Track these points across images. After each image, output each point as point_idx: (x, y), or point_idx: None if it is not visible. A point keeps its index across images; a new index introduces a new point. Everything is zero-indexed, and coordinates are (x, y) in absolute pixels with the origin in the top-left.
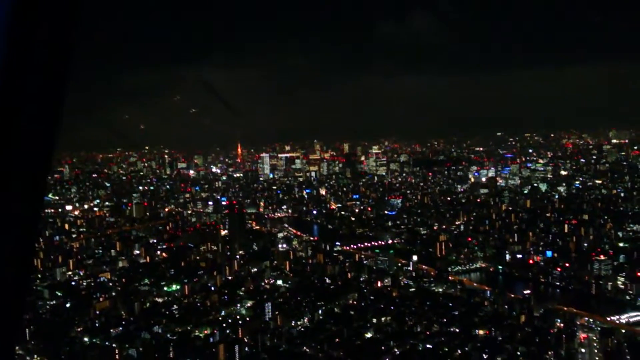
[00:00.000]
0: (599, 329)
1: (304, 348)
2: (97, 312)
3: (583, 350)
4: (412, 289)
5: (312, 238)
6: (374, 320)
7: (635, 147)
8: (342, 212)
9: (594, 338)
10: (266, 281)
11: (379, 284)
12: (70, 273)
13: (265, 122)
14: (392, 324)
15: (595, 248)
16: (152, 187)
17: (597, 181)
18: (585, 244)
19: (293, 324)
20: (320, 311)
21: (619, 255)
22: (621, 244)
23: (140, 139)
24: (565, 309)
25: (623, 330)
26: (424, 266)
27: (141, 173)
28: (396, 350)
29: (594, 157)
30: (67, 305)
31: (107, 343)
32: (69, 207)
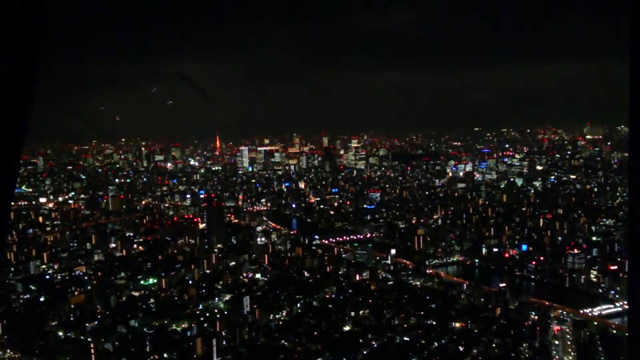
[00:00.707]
0: (572, 321)
1: (283, 341)
2: (72, 306)
3: (557, 342)
4: (390, 283)
5: (291, 232)
6: (352, 314)
7: (609, 143)
8: (321, 206)
9: (567, 330)
10: (244, 275)
11: (358, 278)
12: (44, 266)
13: (244, 115)
14: (370, 317)
15: (569, 242)
16: (128, 180)
17: (572, 176)
18: (560, 238)
19: (271, 318)
20: (298, 304)
21: (592, 249)
22: (594, 238)
23: (116, 131)
24: (540, 301)
25: (595, 323)
26: (402, 260)
27: (117, 165)
28: (374, 343)
29: (569, 152)
30: (42, 299)
31: (82, 337)
32: (43, 200)
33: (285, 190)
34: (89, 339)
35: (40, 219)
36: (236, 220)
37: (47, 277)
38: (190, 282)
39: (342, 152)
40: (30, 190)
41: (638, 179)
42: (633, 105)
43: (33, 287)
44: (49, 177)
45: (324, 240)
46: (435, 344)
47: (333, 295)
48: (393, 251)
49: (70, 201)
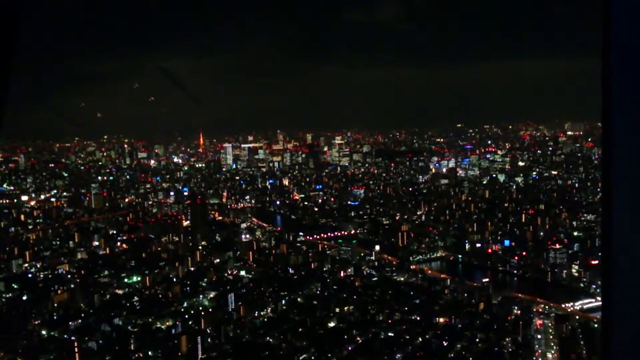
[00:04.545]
0: (554, 315)
1: (268, 338)
2: (55, 305)
3: (539, 336)
4: (375, 279)
5: (275, 228)
6: (337, 310)
7: (590, 139)
8: (305, 203)
9: (550, 324)
10: (229, 272)
11: (342, 274)
12: (26, 265)
13: (227, 111)
14: (355, 313)
15: (551, 237)
16: (111, 177)
17: (553, 172)
18: (542, 233)
19: (256, 315)
20: (283, 301)
21: (574, 244)
22: (576, 233)
23: (98, 128)
24: (522, 296)
25: (577, 317)
26: (386, 256)
27: (100, 163)
28: (359, 338)
29: (550, 148)
30: (24, 298)
31: (66, 336)
32: (24, 198)
33: (269, 187)
34: (73, 338)
35: (22, 217)
36: (220, 218)
37: (30, 275)
38: (174, 279)
39: (325, 148)
40: (12, 188)
41: (611, 178)
42: (605, 104)
43: (15, 286)
44: (31, 175)
45: (308, 237)
46: (420, 339)
47: (318, 292)
48: (377, 247)
49: (53, 199)
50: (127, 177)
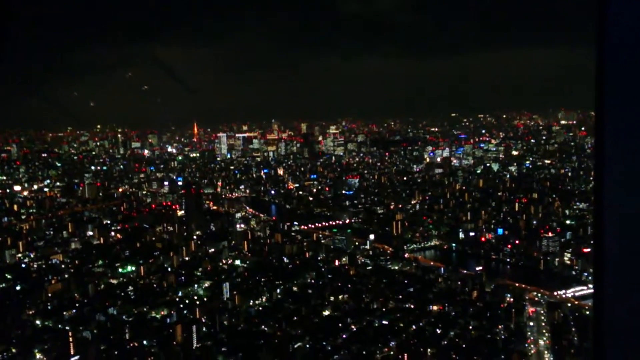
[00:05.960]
0: (547, 302)
1: (262, 327)
2: (50, 295)
3: (531, 323)
4: (369, 267)
5: (270, 218)
6: (332, 299)
7: (583, 128)
8: (300, 192)
9: (542, 312)
10: (224, 261)
11: (337, 263)
12: (20, 255)
13: (222, 101)
14: (350, 301)
15: (544, 225)
16: (105, 167)
17: (547, 161)
18: (535, 222)
19: (251, 304)
20: (278, 290)
21: (566, 232)
22: (568, 222)
23: (91, 117)
24: (515, 284)
25: (569, 304)
26: (380, 245)
27: (93, 152)
28: (353, 327)
29: (544, 137)
30: (18, 288)
31: (60, 326)
32: (17, 188)
33: (264, 176)
34: (67, 328)
35: (15, 207)
36: (215, 207)
37: (23, 266)
38: (169, 269)
39: (320, 138)
40: (4, 178)
41: (603, 167)
42: (599, 93)
43: (9, 277)
44: (24, 165)
45: (303, 227)
46: (414, 327)
47: (312, 281)
48: (372, 236)
49: (46, 189)
50: (121, 166)
